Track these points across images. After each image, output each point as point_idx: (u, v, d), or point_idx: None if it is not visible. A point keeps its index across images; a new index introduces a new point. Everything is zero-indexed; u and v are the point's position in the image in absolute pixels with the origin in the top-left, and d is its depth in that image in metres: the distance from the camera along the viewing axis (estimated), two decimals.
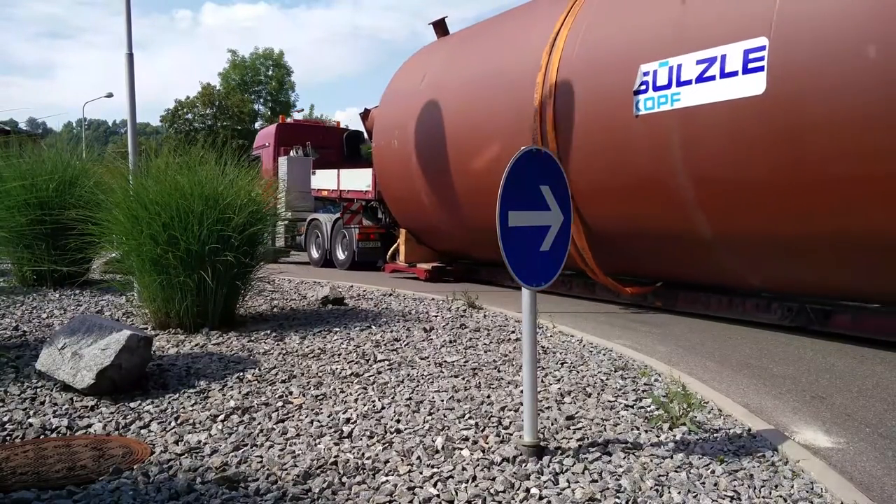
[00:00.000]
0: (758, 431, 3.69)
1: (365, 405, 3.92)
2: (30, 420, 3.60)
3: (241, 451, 3.21)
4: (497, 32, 10.01)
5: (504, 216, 3.14)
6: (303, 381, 4.41)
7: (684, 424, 3.64)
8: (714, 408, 4.12)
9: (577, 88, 7.76)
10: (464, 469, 3.02)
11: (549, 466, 3.08)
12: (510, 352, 5.43)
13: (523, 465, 3.09)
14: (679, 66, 6.68)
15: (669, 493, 2.85)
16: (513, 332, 6.27)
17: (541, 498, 2.78)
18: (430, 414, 3.78)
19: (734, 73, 6.19)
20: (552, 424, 3.65)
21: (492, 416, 3.75)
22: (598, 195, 7.72)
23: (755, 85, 6.01)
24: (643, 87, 6.99)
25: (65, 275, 7.79)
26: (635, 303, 8.40)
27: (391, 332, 6.05)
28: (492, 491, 2.82)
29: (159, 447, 3.26)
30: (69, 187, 7.97)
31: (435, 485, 2.86)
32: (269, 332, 5.87)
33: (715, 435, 3.60)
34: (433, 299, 8.33)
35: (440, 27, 11.89)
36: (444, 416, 3.74)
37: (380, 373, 4.64)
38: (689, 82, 6.59)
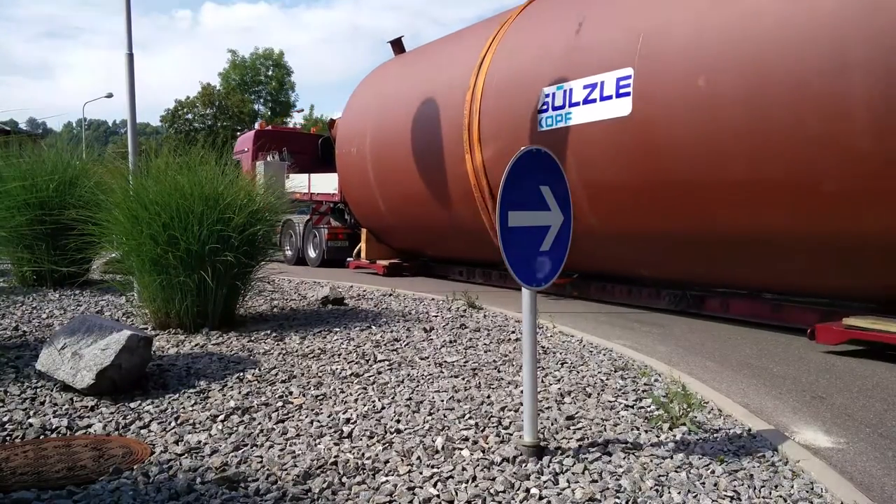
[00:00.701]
0: (758, 431, 3.69)
1: (365, 405, 3.92)
2: (30, 420, 3.60)
3: (241, 452, 3.21)
4: (438, 54, 11.37)
5: (504, 216, 3.14)
6: (303, 381, 4.41)
7: (684, 424, 3.64)
8: (714, 408, 4.12)
9: (496, 106, 9.04)
10: (464, 469, 3.02)
11: (549, 466, 3.08)
12: (510, 352, 5.43)
13: (523, 465, 3.09)
14: (570, 90, 8.00)
15: (669, 493, 2.85)
16: (513, 332, 6.27)
17: (541, 498, 2.78)
18: (430, 414, 3.78)
19: (610, 97, 7.49)
20: (552, 424, 3.65)
21: (492, 416, 3.75)
22: None
23: (624, 107, 7.29)
24: (545, 107, 8.33)
25: (65, 275, 7.78)
26: (556, 292, 9.43)
27: (391, 332, 6.05)
28: (492, 491, 2.82)
29: (159, 447, 3.26)
30: (69, 187, 7.97)
31: (435, 485, 2.86)
32: (269, 332, 5.87)
33: (715, 435, 3.60)
34: (433, 299, 8.34)
35: (397, 45, 13.04)
36: (444, 417, 3.74)
37: (380, 373, 4.64)
38: (577, 104, 7.90)
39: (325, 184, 15.11)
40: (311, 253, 15.13)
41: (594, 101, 7.69)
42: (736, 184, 6.50)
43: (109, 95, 43.24)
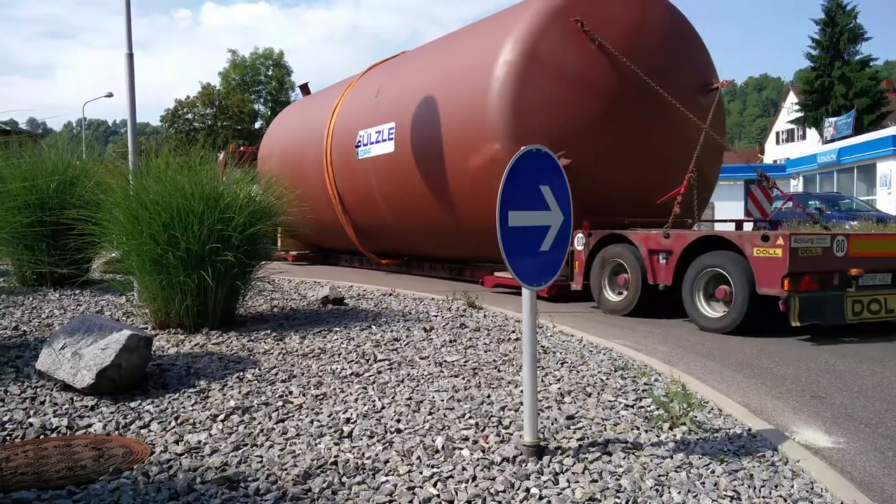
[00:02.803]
0: (758, 431, 3.69)
1: (365, 405, 3.92)
2: (30, 420, 3.60)
3: (241, 451, 3.21)
4: (317, 103, 15.51)
5: (504, 216, 3.14)
6: (303, 380, 4.41)
7: (684, 424, 3.64)
8: (714, 407, 4.12)
9: (337, 142, 13.11)
10: (464, 469, 3.02)
11: (549, 466, 3.08)
12: (510, 351, 5.43)
13: (523, 464, 3.10)
14: (370, 133, 11.97)
15: (669, 492, 2.85)
16: (513, 331, 6.27)
17: (541, 498, 2.78)
18: (430, 414, 3.78)
19: (385, 140, 11.54)
20: (552, 424, 3.65)
21: (492, 416, 3.75)
22: (353, 205, 13.00)
23: (391, 147, 11.35)
24: (359, 143, 12.24)
25: (65, 275, 7.78)
26: (391, 270, 13.30)
27: (391, 331, 6.05)
28: (492, 491, 2.82)
29: (159, 447, 3.26)
30: (69, 187, 7.96)
31: (435, 485, 2.86)
32: (269, 331, 5.87)
33: (715, 435, 3.60)
34: (433, 299, 8.34)
35: (304, 90, 17.77)
36: (444, 416, 3.74)
37: (380, 372, 4.64)
38: (373, 142, 11.86)
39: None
40: None
41: (380, 141, 11.68)
42: (444, 193, 10.16)
43: (109, 95, 43.19)
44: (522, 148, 3.21)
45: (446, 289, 9.28)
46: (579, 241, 8.60)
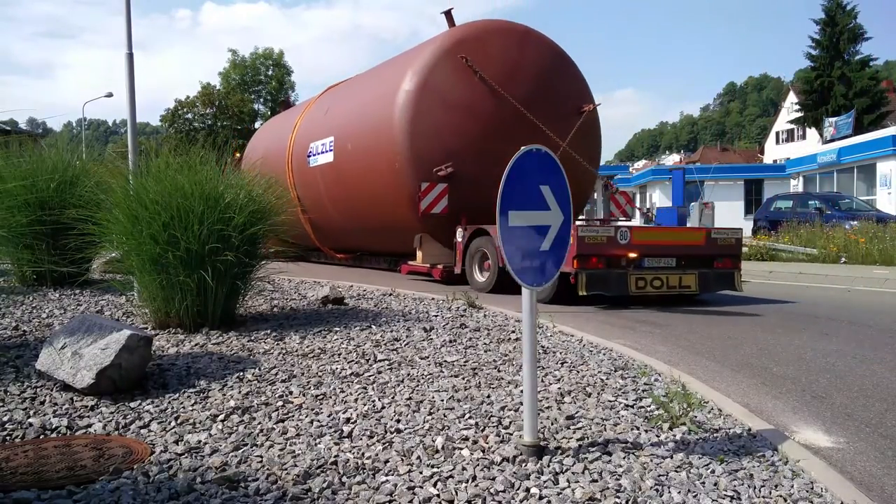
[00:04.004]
0: (758, 431, 3.69)
1: (365, 405, 3.92)
2: (30, 420, 3.60)
3: (241, 451, 3.21)
4: (287, 117, 18.05)
5: (504, 216, 3.14)
6: (303, 380, 4.41)
7: (684, 424, 3.64)
8: (714, 407, 4.12)
9: (295, 150, 15.51)
10: (464, 469, 3.02)
11: (549, 466, 3.08)
12: (510, 351, 5.43)
13: (523, 464, 3.09)
14: (318, 145, 14.27)
15: (669, 492, 2.85)
16: (513, 331, 6.27)
17: (541, 498, 2.78)
18: (430, 414, 3.78)
19: (327, 151, 13.76)
20: (552, 424, 3.65)
21: (492, 416, 3.75)
22: (310, 207, 14.66)
23: (331, 157, 13.57)
24: (311, 153, 14.52)
25: (65, 274, 7.78)
26: (345, 263, 15.72)
27: (391, 331, 6.05)
28: (492, 491, 2.82)
29: (159, 447, 3.26)
30: (69, 187, 7.95)
31: (435, 485, 2.86)
32: (269, 331, 5.87)
33: (715, 435, 3.60)
34: (433, 299, 8.34)
35: (284, 104, 21.11)
36: (444, 416, 3.74)
37: (380, 372, 4.64)
38: (319, 153, 14.14)
39: None
40: None
41: (324, 152, 13.92)
42: (369, 197, 12.16)
43: (109, 95, 43.20)
44: (522, 148, 3.22)
45: (386, 279, 11.66)
46: (459, 234, 10.95)
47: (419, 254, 11.82)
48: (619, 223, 10.91)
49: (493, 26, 11.86)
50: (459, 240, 10.92)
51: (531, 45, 11.64)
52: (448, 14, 11.98)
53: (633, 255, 8.59)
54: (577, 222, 9.89)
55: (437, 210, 10.87)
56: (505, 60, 11.19)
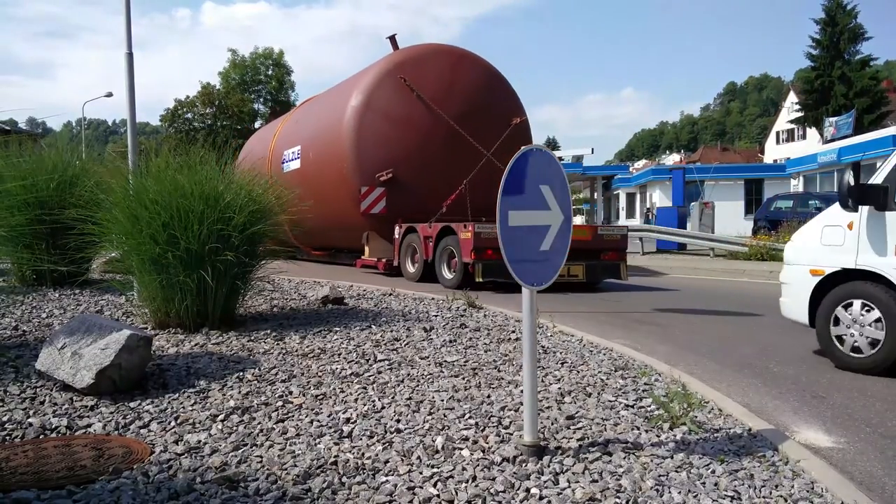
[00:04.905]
0: (758, 431, 3.69)
1: (365, 405, 3.92)
2: (30, 420, 3.59)
3: (240, 451, 3.21)
4: (271, 127, 20.14)
5: (504, 216, 3.13)
6: (303, 380, 4.40)
7: (685, 424, 3.64)
8: (714, 407, 4.12)
9: (273, 156, 17.10)
10: (464, 469, 3.02)
11: (549, 466, 3.07)
12: (510, 351, 5.43)
13: (523, 464, 3.09)
14: (289, 153, 15.98)
15: (670, 492, 2.85)
16: (513, 331, 6.27)
17: (541, 498, 2.78)
18: (430, 414, 3.78)
19: (296, 158, 15.46)
20: (552, 424, 3.64)
21: (492, 416, 3.74)
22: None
23: (298, 164, 15.23)
24: (284, 159, 16.10)
25: (64, 274, 7.77)
26: (321, 260, 16.59)
27: (391, 331, 6.05)
28: (492, 491, 2.81)
29: (159, 447, 3.26)
30: (69, 187, 7.95)
31: (435, 485, 2.86)
32: (269, 331, 5.87)
33: (715, 435, 3.60)
34: (433, 299, 8.33)
35: (273, 115, 22.40)
36: (444, 416, 3.73)
37: (380, 372, 4.64)
38: (290, 160, 15.78)
39: None
40: None
41: (293, 158, 15.61)
42: (327, 200, 13.23)
43: (109, 95, 43.13)
44: (523, 147, 3.21)
45: (346, 273, 12.99)
46: (396, 232, 12.73)
47: (367, 249, 13.57)
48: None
49: (430, 50, 13.57)
50: (396, 236, 12.73)
51: (466, 67, 13.34)
52: (392, 39, 13.68)
53: None
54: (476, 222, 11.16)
55: (376, 210, 12.51)
56: (440, 80, 12.86)
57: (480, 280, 10.08)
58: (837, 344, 5.59)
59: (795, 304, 5.95)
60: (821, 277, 5.70)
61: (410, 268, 12.32)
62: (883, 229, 5.31)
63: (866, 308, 5.40)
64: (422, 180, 12.51)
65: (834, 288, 5.63)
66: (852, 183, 5.34)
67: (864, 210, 5.42)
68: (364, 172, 12.55)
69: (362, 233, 13.46)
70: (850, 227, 5.52)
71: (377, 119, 12.63)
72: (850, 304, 5.48)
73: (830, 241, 5.68)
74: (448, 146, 12.55)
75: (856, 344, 5.45)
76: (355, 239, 13.97)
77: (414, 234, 12.09)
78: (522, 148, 3.21)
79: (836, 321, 5.58)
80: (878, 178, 5.44)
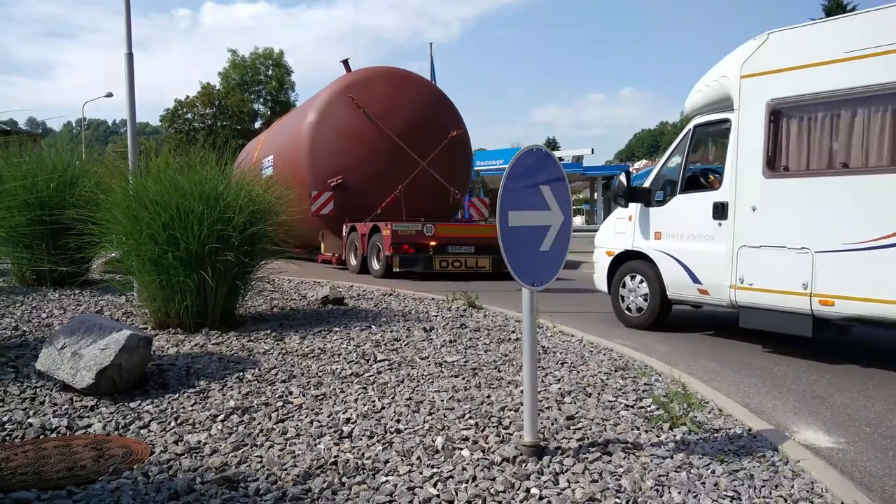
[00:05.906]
0: (758, 431, 3.69)
1: (365, 405, 3.92)
2: (30, 420, 3.59)
3: (240, 451, 3.21)
4: (257, 139, 21.80)
5: (504, 216, 3.13)
6: (303, 380, 4.40)
7: (685, 424, 3.64)
8: (714, 408, 4.12)
9: (257, 166, 16.52)
10: (464, 469, 3.02)
11: (549, 466, 3.07)
12: (510, 352, 5.43)
13: (523, 465, 3.09)
14: (266, 161, 17.36)
15: (670, 493, 2.85)
16: (513, 331, 6.27)
17: (541, 498, 2.78)
18: (430, 414, 3.78)
19: (270, 166, 16.75)
20: (552, 424, 3.64)
21: (492, 416, 3.74)
22: None
23: (271, 171, 16.00)
24: (263, 167, 16.91)
25: (64, 275, 7.77)
26: (303, 256, 15.90)
27: (391, 331, 6.05)
28: (492, 491, 2.81)
29: (159, 447, 3.26)
30: (69, 187, 7.94)
31: (435, 485, 2.86)
32: (269, 331, 5.87)
33: (715, 435, 3.60)
34: (433, 299, 8.33)
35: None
36: (444, 416, 3.73)
37: (380, 373, 4.64)
38: (266, 167, 16.83)
39: None
40: None
41: (268, 167, 16.87)
42: (293, 202, 14.05)
43: (109, 95, 43.11)
44: (523, 147, 3.21)
45: (350, 273, 13.83)
46: (344, 230, 14.58)
47: (322, 245, 15.47)
48: (426, 222, 13.50)
49: (378, 72, 15.48)
50: (344, 234, 14.71)
51: (409, 87, 15.26)
52: (345, 63, 15.70)
53: (433, 243, 12.57)
54: (394, 221, 13.03)
55: (325, 212, 14.31)
56: (385, 98, 14.70)
57: (397, 270, 12.34)
58: (622, 306, 7.43)
59: (599, 278, 7.80)
60: (612, 257, 7.55)
61: (353, 261, 14.23)
62: (647, 221, 7.14)
63: (640, 280, 7.20)
64: (368, 185, 14.31)
65: (621, 265, 7.43)
66: (626, 185, 7.13)
67: (637, 206, 7.24)
68: (318, 178, 14.40)
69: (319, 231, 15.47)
70: (629, 218, 7.37)
71: (330, 133, 14.49)
72: (633, 277, 7.28)
73: (619, 229, 7.54)
74: (391, 156, 14.39)
75: (632, 305, 7.33)
76: (317, 238, 15.94)
77: (356, 232, 14.02)
78: (523, 148, 3.21)
79: (623, 288, 7.40)
80: (646, 182, 7.21)
